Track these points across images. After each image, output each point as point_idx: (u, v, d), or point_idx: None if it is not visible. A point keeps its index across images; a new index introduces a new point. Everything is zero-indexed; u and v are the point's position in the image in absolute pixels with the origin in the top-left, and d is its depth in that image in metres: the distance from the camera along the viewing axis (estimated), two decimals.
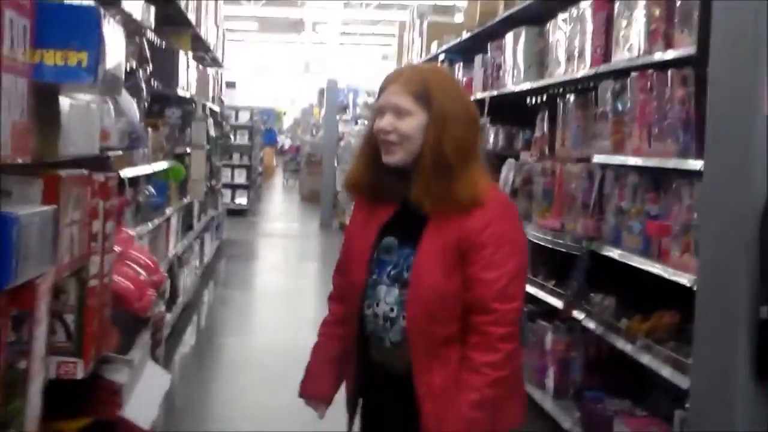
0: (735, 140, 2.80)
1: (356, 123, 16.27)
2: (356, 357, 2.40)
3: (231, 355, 6.62)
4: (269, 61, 27.88)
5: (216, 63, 10.11)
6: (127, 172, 4.21)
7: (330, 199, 14.42)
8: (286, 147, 28.09)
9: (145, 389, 2.96)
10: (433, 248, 2.23)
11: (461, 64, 7.58)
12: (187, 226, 7.74)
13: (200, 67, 8.17)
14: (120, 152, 3.96)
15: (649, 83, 3.69)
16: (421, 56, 9.45)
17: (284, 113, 30.10)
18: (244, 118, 16.63)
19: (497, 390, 2.17)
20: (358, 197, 2.49)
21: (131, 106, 3.65)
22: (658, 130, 3.59)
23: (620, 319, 3.85)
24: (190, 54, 7.23)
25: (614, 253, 3.89)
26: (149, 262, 3.51)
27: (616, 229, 4.00)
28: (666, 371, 3.27)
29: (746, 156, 2.71)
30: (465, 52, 7.54)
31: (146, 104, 5.25)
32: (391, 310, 2.28)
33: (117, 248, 3.18)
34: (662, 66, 3.62)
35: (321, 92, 19.06)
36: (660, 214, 3.64)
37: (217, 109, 10.10)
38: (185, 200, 7.37)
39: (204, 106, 8.28)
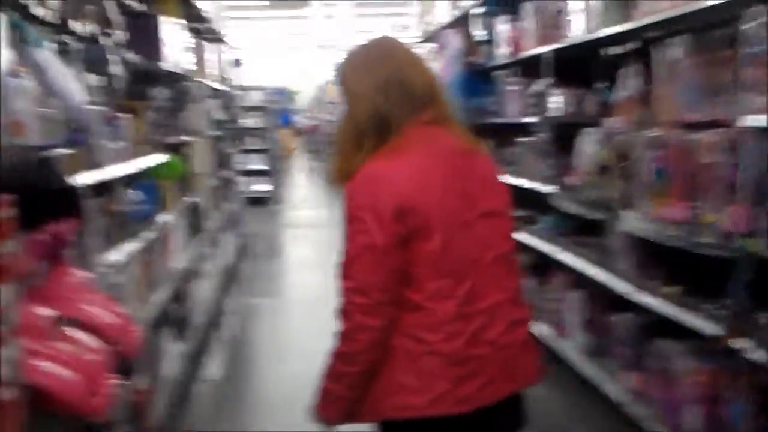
0: None
1: None
2: None
3: (265, 392, 5.34)
4: (278, 38, 26.63)
5: (218, 38, 8.84)
6: (85, 178, 2.96)
7: None
8: (304, 127, 26.98)
9: None
10: None
11: (503, 17, 6.32)
12: (194, 229, 6.49)
13: (197, 40, 6.93)
14: (67, 150, 2.74)
15: None
16: (448, 15, 8.09)
17: (298, 92, 28.92)
18: (255, 98, 15.36)
19: (340, 365, 2.14)
20: None
21: (70, 84, 2.45)
22: None
23: None
24: (182, 23, 5.98)
25: None
26: (111, 320, 2.31)
27: None
28: None
29: None
30: (505, 3, 6.28)
31: (123, 83, 4.03)
32: None
33: (44, 312, 2.00)
34: None
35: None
36: None
37: (223, 89, 8.84)
38: (188, 199, 6.14)
39: (202, 85, 7.01)
